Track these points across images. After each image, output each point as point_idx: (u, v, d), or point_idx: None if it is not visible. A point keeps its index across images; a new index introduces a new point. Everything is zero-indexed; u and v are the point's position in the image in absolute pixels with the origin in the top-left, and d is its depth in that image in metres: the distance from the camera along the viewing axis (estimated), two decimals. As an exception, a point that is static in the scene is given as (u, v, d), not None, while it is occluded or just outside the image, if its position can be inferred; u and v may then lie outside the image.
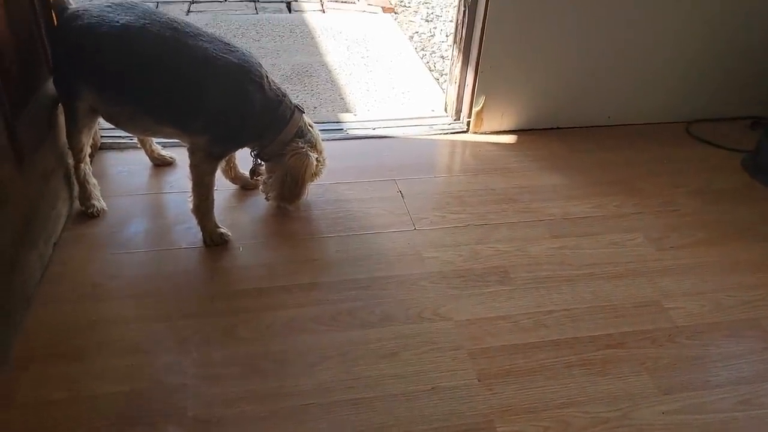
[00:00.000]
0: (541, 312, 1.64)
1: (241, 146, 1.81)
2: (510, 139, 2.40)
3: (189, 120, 1.66)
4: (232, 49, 1.66)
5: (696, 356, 1.54)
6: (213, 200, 1.76)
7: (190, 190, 1.75)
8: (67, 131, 1.77)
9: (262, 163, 1.88)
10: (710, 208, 2.06)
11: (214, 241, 1.78)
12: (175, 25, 1.62)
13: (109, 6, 1.63)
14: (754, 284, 1.76)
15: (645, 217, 2.01)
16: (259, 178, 1.95)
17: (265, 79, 1.70)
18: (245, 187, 2.02)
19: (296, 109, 1.78)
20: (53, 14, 1.71)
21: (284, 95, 1.75)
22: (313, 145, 1.82)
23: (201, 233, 1.78)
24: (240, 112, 1.67)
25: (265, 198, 1.94)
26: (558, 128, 2.47)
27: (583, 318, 1.63)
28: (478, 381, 1.44)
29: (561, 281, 1.74)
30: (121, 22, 1.59)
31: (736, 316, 1.66)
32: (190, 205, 1.76)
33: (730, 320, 1.65)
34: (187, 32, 1.63)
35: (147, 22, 1.60)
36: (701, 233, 1.94)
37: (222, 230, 1.79)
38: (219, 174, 1.82)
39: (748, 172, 2.25)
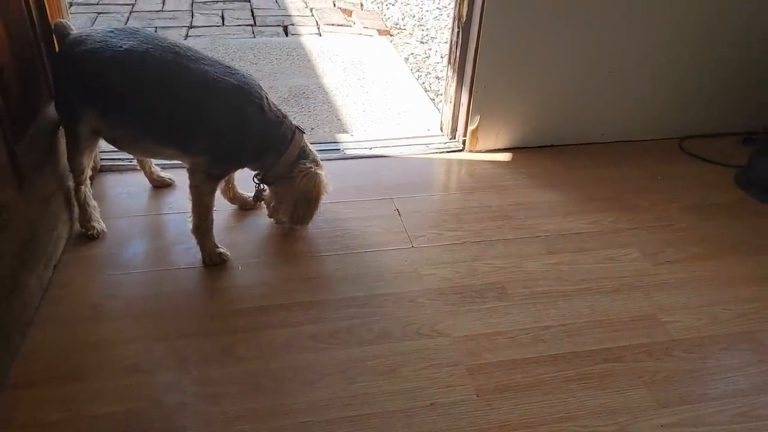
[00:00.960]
0: (538, 327, 1.65)
1: (241, 167, 1.83)
2: (505, 157, 2.43)
3: (190, 141, 1.68)
4: (233, 72, 1.70)
5: (693, 369, 1.55)
6: (212, 220, 1.78)
7: (190, 210, 1.77)
8: (68, 154, 1.79)
9: (265, 187, 1.90)
10: (704, 223, 2.08)
11: (213, 261, 1.79)
12: (177, 49, 1.66)
13: (111, 32, 1.67)
14: (748, 297, 1.77)
15: (640, 232, 2.03)
16: (261, 202, 1.97)
17: (265, 101, 1.72)
18: (243, 207, 2.04)
19: (297, 130, 1.81)
20: (55, 40, 1.75)
21: (284, 117, 1.78)
22: (318, 164, 1.85)
23: (200, 253, 1.80)
24: (239, 132, 1.70)
25: (276, 222, 1.96)
26: (552, 146, 2.50)
27: (580, 333, 1.64)
28: (477, 396, 1.45)
29: (558, 296, 1.75)
30: (124, 47, 1.62)
31: (732, 329, 1.67)
32: (190, 226, 1.78)
33: (726, 333, 1.66)
34: (189, 56, 1.66)
35: (150, 46, 1.63)
36: (696, 248, 1.96)
37: (221, 250, 1.81)
38: (218, 194, 1.84)
39: (741, 187, 2.27)
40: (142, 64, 1.62)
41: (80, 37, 1.67)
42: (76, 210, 1.87)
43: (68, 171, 1.82)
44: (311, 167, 1.80)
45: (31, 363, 1.48)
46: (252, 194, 1.99)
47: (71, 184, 1.83)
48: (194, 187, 1.73)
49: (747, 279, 1.84)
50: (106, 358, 1.50)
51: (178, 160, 1.81)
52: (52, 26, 1.73)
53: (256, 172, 1.86)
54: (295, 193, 1.80)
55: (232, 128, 1.68)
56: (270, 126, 1.74)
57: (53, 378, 1.45)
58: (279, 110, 1.77)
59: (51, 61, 1.75)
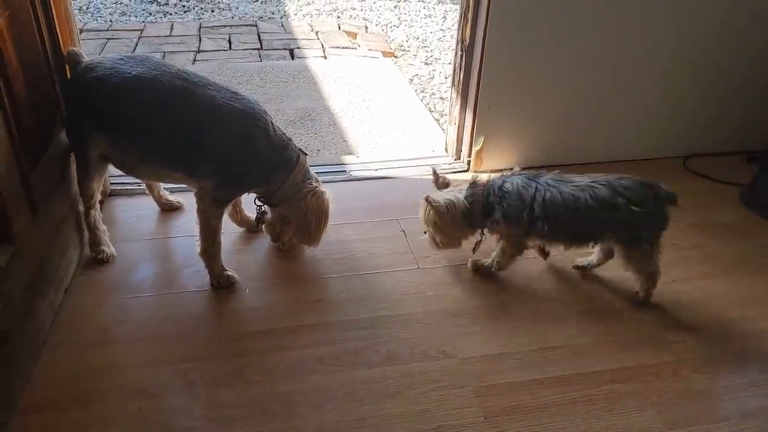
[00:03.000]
0: (545, 348, 1.65)
1: (247, 190, 1.86)
2: (510, 177, 2.44)
3: (197, 165, 1.71)
4: (239, 96, 1.73)
5: (701, 389, 1.55)
6: (220, 243, 1.80)
7: (198, 234, 1.79)
8: (78, 179, 1.82)
9: (266, 209, 1.93)
10: (710, 242, 2.08)
11: (222, 284, 1.81)
12: (185, 75, 1.69)
13: (121, 59, 1.71)
14: (756, 316, 1.77)
15: (645, 251, 2.03)
16: (262, 225, 1.99)
17: (270, 125, 1.75)
18: (251, 230, 2.06)
19: (301, 152, 1.84)
20: (67, 67, 1.78)
21: (289, 140, 1.81)
22: (319, 184, 1.87)
23: (208, 276, 1.81)
24: (245, 156, 1.73)
25: (281, 245, 1.98)
26: (557, 165, 2.51)
27: (587, 353, 1.64)
28: (485, 419, 1.45)
29: (565, 317, 1.75)
30: (133, 73, 1.66)
31: (740, 348, 1.67)
32: (198, 249, 1.80)
33: (735, 353, 1.66)
34: (196, 82, 1.69)
35: (158, 73, 1.67)
36: (702, 267, 1.96)
37: (229, 273, 1.82)
38: (225, 217, 1.86)
39: (746, 205, 2.28)
40: (151, 90, 1.66)
41: (91, 64, 1.71)
42: (86, 234, 1.89)
43: (79, 196, 1.85)
44: (318, 186, 1.84)
45: (42, 387, 1.49)
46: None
47: (81, 208, 1.86)
48: (202, 211, 1.76)
49: (754, 298, 1.84)
50: (116, 382, 1.52)
51: (185, 184, 1.84)
52: (65, 54, 1.77)
53: (258, 194, 1.89)
54: (303, 213, 1.83)
55: (239, 151, 1.71)
56: (276, 149, 1.77)
57: (64, 402, 1.46)
58: (284, 134, 1.80)
59: (63, 88, 1.79)
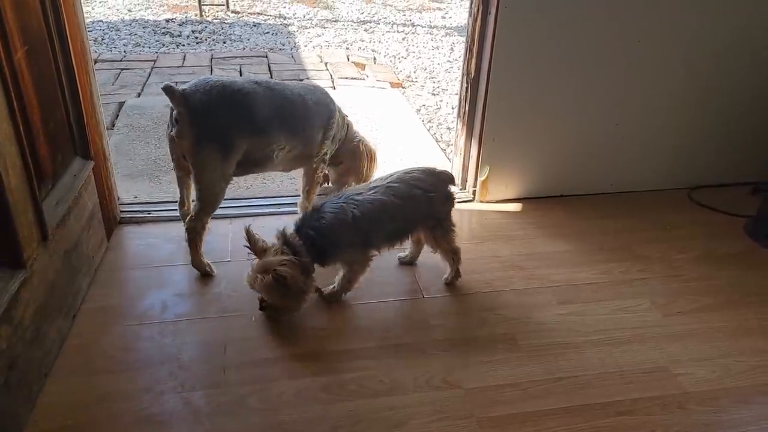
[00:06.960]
0: (549, 379, 1.65)
1: (338, 142, 2.29)
2: (515, 207, 2.47)
3: (310, 134, 2.11)
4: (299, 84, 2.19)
5: (707, 423, 1.54)
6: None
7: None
8: (215, 191, 1.92)
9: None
10: (715, 273, 2.08)
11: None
12: (266, 77, 2.01)
13: (233, 81, 1.93)
14: (762, 349, 1.76)
15: (650, 282, 2.03)
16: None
17: None
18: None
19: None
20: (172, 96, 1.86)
21: None
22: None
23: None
24: (334, 119, 2.21)
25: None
26: (562, 196, 2.54)
27: (592, 385, 1.63)
28: (488, 450, 1.44)
29: (569, 348, 1.75)
30: (254, 83, 1.95)
31: (746, 381, 1.66)
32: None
33: (740, 386, 1.65)
34: (275, 81, 2.13)
35: (259, 80, 1.99)
36: (707, 298, 1.96)
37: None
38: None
39: (751, 237, 2.28)
40: (272, 92, 1.98)
41: (227, 83, 1.89)
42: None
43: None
44: (362, 139, 2.42)
45: (48, 413, 1.50)
46: None
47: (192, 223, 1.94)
48: (319, 172, 2.22)
49: (759, 330, 1.83)
50: (121, 409, 1.52)
51: (304, 160, 2.17)
52: (162, 88, 1.86)
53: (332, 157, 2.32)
54: (358, 160, 2.37)
55: (331, 115, 2.18)
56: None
57: (70, 428, 1.47)
58: None
59: (190, 114, 1.84)
